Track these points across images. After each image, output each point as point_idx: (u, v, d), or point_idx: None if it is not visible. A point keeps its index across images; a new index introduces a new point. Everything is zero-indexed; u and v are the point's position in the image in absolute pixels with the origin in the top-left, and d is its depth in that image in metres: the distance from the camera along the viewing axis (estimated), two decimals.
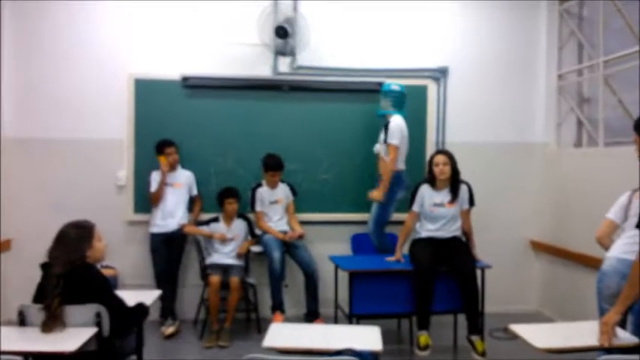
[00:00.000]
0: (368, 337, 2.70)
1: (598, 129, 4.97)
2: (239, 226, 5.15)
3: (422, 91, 5.58)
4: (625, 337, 2.64)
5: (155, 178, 5.07)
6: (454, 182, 4.32)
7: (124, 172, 5.32)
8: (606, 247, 3.31)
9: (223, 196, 5.07)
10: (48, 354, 2.57)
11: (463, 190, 4.37)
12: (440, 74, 5.62)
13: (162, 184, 5.03)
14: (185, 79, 5.29)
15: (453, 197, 4.32)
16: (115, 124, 5.30)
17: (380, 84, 5.23)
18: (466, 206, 4.40)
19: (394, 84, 5.10)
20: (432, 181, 4.35)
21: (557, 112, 5.60)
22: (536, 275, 5.74)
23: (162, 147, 5.05)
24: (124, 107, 5.29)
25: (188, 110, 5.34)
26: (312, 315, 5.02)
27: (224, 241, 5.02)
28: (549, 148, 5.62)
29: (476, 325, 4.05)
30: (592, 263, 4.58)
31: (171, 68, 5.31)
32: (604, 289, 3.16)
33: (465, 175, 4.40)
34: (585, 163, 5.03)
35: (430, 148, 5.47)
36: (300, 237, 5.12)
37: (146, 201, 5.15)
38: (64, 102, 5.27)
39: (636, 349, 2.56)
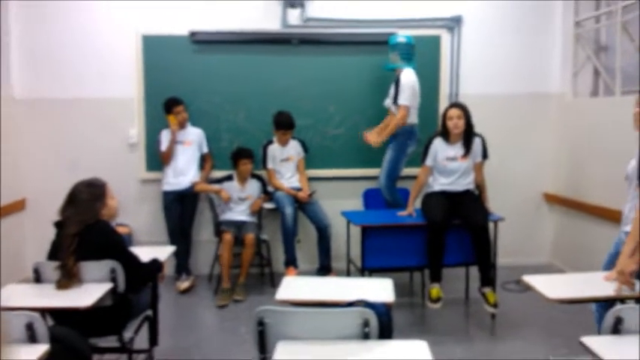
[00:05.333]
0: (380, 289, 2.70)
1: (615, 78, 4.84)
2: (253, 186, 5.15)
3: (435, 41, 5.46)
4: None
5: (165, 136, 5.06)
6: (468, 136, 4.25)
7: (135, 130, 5.31)
8: None
9: (238, 157, 5.05)
10: (64, 310, 2.62)
11: (476, 143, 4.31)
12: (454, 23, 5.48)
13: (173, 142, 5.02)
14: (193, 34, 5.21)
15: (466, 151, 4.25)
16: (125, 81, 5.27)
17: (392, 35, 5.11)
18: (479, 159, 4.34)
19: (401, 36, 4.98)
20: (445, 134, 4.28)
21: (573, 60, 5.46)
22: (549, 228, 5.71)
23: (170, 106, 5.01)
24: (133, 65, 5.25)
25: (197, 66, 5.28)
26: (324, 269, 5.06)
27: (227, 201, 5.03)
28: (565, 98, 5.50)
29: (488, 278, 4.05)
30: (606, 215, 4.55)
31: (178, 24, 5.22)
32: None
33: (478, 127, 4.33)
34: (602, 113, 4.93)
35: (443, 101, 5.39)
36: (311, 195, 5.11)
37: (158, 159, 5.15)
38: (74, 61, 5.23)
39: None
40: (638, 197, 2.78)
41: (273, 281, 5.00)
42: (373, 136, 4.92)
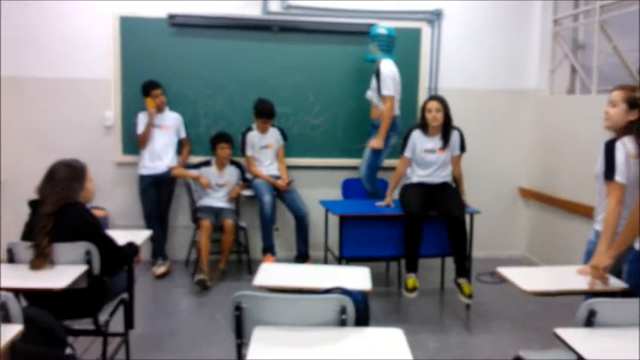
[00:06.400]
0: (357, 277, 2.72)
1: (592, 76, 4.92)
2: (231, 173, 5.13)
3: (415, 34, 5.47)
4: (613, 281, 2.68)
5: (142, 119, 5.00)
6: (446, 128, 4.28)
7: (112, 113, 5.23)
8: None
9: (216, 141, 5.02)
10: (38, 291, 2.58)
11: (454, 136, 4.34)
12: (434, 17, 5.50)
13: (150, 126, 4.97)
14: (171, 17, 5.14)
15: (444, 143, 4.28)
16: (102, 63, 5.19)
17: (373, 25, 5.10)
18: (457, 152, 4.38)
19: (381, 27, 4.99)
20: (424, 127, 4.31)
21: (551, 58, 5.53)
22: (524, 221, 5.80)
23: (148, 89, 4.95)
24: (110, 46, 5.17)
25: (175, 50, 5.22)
26: (302, 257, 5.08)
27: (208, 187, 5.00)
28: (542, 95, 5.58)
29: (463, 269, 4.10)
30: (579, 210, 4.64)
31: (157, 6, 5.14)
32: None
33: (456, 120, 4.37)
34: (578, 110, 5.00)
35: (422, 94, 5.42)
36: (289, 184, 5.11)
37: (134, 142, 5.09)
38: (50, 41, 5.13)
39: (623, 293, 2.59)
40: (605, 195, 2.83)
41: (250, 268, 5.00)
42: (374, 142, 4.89)
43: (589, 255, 2.84)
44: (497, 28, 5.60)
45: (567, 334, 2.09)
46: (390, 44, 4.96)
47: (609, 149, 2.80)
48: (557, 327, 2.14)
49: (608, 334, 2.12)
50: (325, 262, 4.70)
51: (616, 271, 2.70)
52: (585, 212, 4.24)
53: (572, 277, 2.77)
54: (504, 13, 5.59)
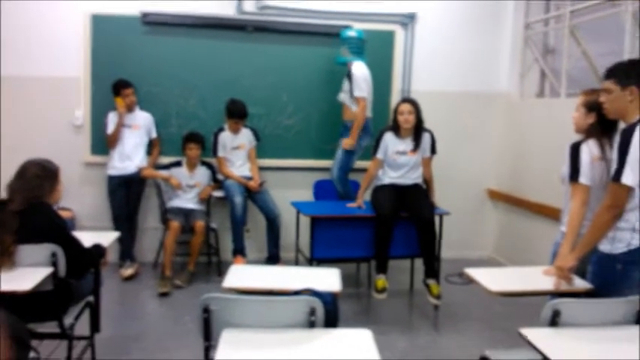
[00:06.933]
0: (327, 278, 2.71)
1: (561, 80, 5.01)
2: (202, 173, 5.09)
3: (389, 36, 5.50)
4: (578, 282, 2.72)
5: (112, 119, 4.93)
6: (417, 131, 4.32)
7: (81, 112, 5.15)
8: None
9: (186, 141, 4.99)
10: (2, 293, 2.52)
11: (426, 138, 4.38)
12: (408, 20, 5.54)
13: (120, 125, 4.90)
14: (144, 15, 5.08)
15: (415, 145, 4.32)
16: (73, 61, 5.10)
17: (347, 27, 5.12)
18: (428, 154, 4.42)
19: (351, 30, 5.02)
20: (396, 129, 4.34)
21: (521, 62, 5.61)
22: (492, 223, 5.88)
23: (118, 88, 4.88)
24: (80, 44, 5.08)
25: (148, 49, 5.16)
26: (273, 259, 5.05)
27: (179, 188, 4.96)
28: (512, 98, 5.66)
29: (432, 270, 4.13)
30: (546, 212, 4.71)
31: (130, 4, 5.07)
32: None
33: (428, 123, 4.40)
34: (547, 113, 5.09)
35: (395, 96, 5.45)
36: (261, 185, 5.09)
37: (104, 142, 5.01)
38: (19, 38, 5.02)
39: (587, 294, 2.64)
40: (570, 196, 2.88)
41: (220, 270, 4.95)
42: (347, 142, 4.89)
43: (555, 256, 2.88)
44: (469, 32, 5.67)
45: (532, 333, 2.12)
46: (360, 47, 4.98)
47: (574, 151, 2.85)
48: (524, 327, 2.16)
49: (572, 333, 2.15)
50: (296, 263, 4.69)
51: (581, 272, 2.74)
52: (552, 214, 4.32)
53: (537, 278, 2.81)
54: (477, 17, 5.66)
